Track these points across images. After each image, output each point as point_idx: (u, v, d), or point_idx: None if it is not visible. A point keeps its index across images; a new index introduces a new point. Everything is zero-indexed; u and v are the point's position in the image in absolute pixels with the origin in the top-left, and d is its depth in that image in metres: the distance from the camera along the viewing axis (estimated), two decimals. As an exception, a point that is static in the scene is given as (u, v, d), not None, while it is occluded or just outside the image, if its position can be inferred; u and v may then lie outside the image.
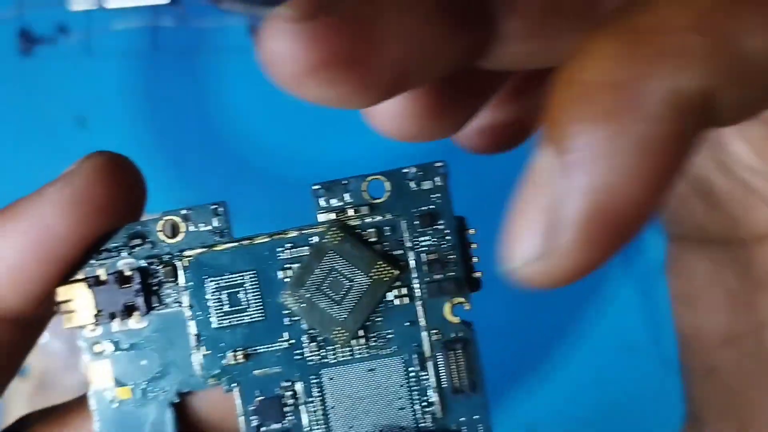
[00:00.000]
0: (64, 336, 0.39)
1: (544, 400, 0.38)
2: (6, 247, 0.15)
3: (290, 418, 0.15)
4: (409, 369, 0.15)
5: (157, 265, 0.15)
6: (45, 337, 0.38)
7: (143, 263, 0.15)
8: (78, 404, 0.16)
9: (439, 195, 0.15)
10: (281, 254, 0.16)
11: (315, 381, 0.15)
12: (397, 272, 0.15)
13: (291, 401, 0.15)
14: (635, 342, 0.38)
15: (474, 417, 0.15)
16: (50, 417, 0.17)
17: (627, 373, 0.38)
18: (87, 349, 0.15)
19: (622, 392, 0.38)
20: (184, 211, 0.16)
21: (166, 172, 0.39)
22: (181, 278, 0.15)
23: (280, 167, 0.39)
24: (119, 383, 0.15)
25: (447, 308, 0.15)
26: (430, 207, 0.15)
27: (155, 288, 0.15)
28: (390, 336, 0.15)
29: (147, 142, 0.39)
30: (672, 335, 0.25)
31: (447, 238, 0.15)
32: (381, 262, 0.15)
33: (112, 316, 0.15)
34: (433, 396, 0.15)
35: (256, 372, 0.15)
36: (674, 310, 0.20)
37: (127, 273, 0.15)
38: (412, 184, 0.15)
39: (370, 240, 0.15)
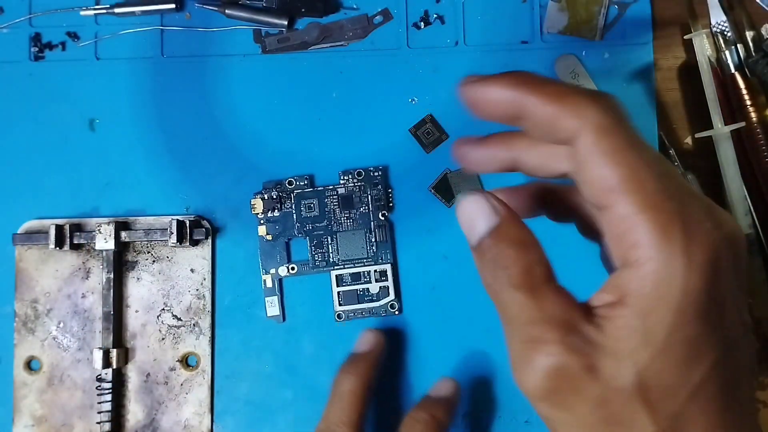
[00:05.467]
0: (73, 331, 0.39)
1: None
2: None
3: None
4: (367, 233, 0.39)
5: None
6: (55, 332, 0.39)
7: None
8: None
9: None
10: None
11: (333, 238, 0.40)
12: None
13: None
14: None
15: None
16: None
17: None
18: None
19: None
20: None
21: (173, 173, 0.40)
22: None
23: (283, 168, 0.40)
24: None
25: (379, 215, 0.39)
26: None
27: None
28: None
29: (154, 144, 0.40)
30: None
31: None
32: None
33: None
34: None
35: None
36: None
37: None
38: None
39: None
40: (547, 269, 0.22)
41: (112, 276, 0.39)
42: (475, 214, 0.23)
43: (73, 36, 0.41)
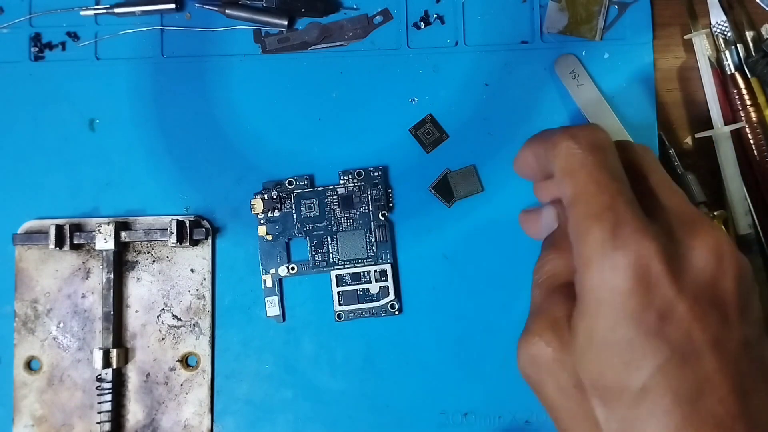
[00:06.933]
0: (73, 331, 0.39)
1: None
2: None
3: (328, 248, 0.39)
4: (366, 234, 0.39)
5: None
6: (55, 332, 0.39)
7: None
8: None
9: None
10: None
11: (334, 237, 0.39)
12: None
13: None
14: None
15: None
16: None
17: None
18: None
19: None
20: None
21: (173, 173, 0.40)
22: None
23: (283, 168, 0.40)
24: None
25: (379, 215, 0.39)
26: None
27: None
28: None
29: (154, 144, 0.40)
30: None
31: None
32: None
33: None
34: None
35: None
36: None
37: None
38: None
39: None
40: (566, 276, 0.27)
41: (112, 276, 0.39)
42: (546, 218, 0.31)
43: (73, 36, 0.41)
